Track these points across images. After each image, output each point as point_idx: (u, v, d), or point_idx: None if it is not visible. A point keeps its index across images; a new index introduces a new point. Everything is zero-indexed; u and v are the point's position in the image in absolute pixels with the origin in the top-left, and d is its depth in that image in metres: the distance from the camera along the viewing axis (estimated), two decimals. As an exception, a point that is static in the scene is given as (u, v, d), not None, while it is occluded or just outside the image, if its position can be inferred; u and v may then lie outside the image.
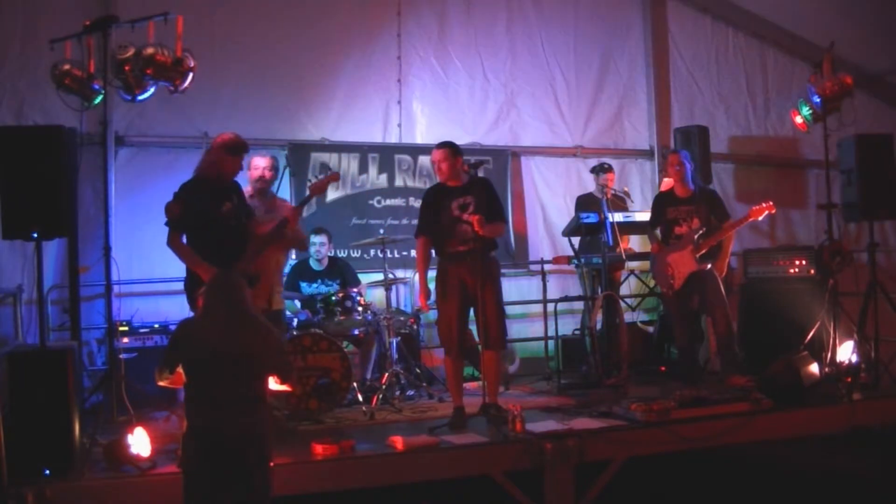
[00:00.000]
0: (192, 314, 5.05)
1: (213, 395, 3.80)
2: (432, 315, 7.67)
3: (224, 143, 5.17)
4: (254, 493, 3.79)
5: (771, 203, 6.64)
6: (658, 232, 6.91)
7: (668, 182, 7.34)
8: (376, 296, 7.31)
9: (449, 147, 5.69)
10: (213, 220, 5.06)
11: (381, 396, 6.21)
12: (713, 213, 6.66)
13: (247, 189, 5.65)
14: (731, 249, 6.96)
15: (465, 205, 5.57)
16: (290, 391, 4.35)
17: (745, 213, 6.88)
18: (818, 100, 6.54)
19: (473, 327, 6.11)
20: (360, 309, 6.46)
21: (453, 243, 5.59)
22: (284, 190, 5.93)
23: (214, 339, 3.86)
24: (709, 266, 6.60)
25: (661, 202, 6.91)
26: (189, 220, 5.07)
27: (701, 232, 6.57)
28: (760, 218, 6.67)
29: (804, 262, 7.07)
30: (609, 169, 7.69)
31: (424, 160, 7.93)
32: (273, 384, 4.04)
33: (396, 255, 7.64)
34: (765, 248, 7.89)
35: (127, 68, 5.60)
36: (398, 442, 4.86)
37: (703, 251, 6.57)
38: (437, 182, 5.87)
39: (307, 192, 5.57)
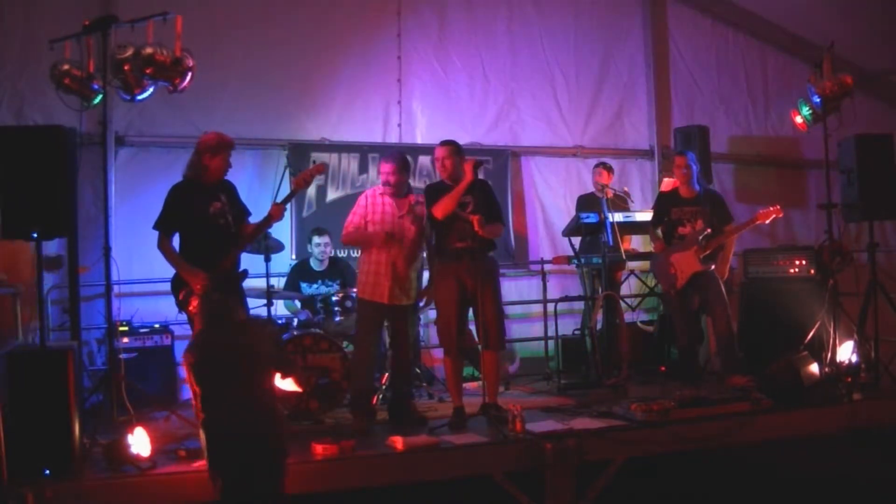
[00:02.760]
0: (182, 315, 5.17)
1: (222, 396, 3.98)
2: (432, 315, 7.68)
3: (205, 144, 5.22)
4: (263, 486, 3.94)
5: (778, 207, 6.64)
6: (659, 231, 6.90)
7: (668, 182, 7.34)
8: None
9: (453, 144, 5.75)
10: (200, 221, 5.09)
11: (381, 396, 6.21)
12: (715, 215, 6.65)
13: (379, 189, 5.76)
14: (733, 251, 6.96)
15: (464, 204, 5.59)
16: (300, 390, 4.44)
17: (747, 214, 6.88)
18: (818, 100, 6.54)
19: (473, 327, 6.11)
20: (360, 309, 6.46)
21: (451, 240, 5.60)
22: (284, 191, 5.91)
23: (218, 351, 4.08)
24: (712, 267, 6.60)
25: (665, 202, 6.90)
26: (177, 221, 5.11)
27: (706, 233, 6.56)
28: (767, 222, 6.66)
29: (804, 262, 7.07)
30: (599, 164, 7.70)
31: (424, 160, 7.93)
32: (283, 384, 4.21)
33: (396, 255, 7.62)
34: (765, 248, 7.88)
35: (126, 68, 5.59)
36: (398, 442, 4.85)
37: (708, 252, 6.57)
38: (437, 180, 5.89)
39: (291, 187, 5.52)
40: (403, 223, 5.70)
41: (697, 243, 6.56)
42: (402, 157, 5.86)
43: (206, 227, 5.11)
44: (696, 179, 6.73)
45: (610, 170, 7.73)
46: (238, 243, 5.22)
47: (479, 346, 5.88)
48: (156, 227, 5.15)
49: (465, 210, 5.57)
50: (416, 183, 7.91)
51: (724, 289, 6.62)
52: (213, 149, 5.19)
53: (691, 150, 7.77)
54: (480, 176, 5.84)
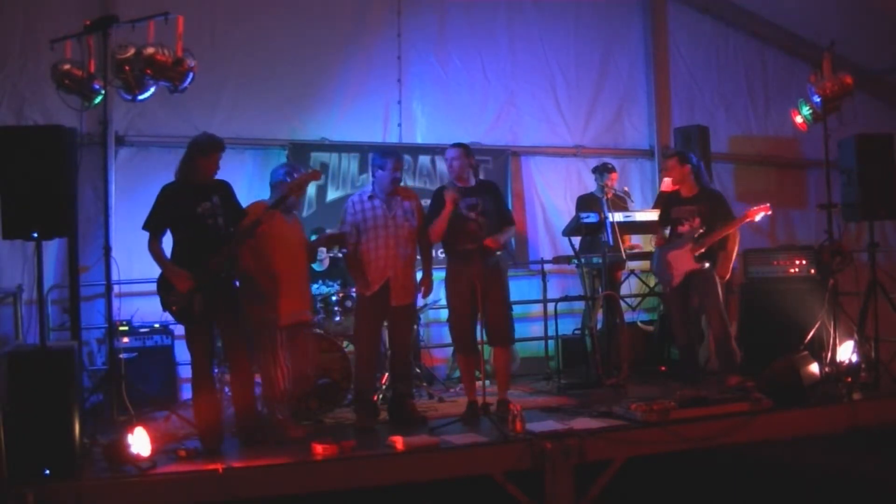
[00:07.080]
0: (167, 314, 5.15)
1: None
2: (432, 315, 7.69)
3: (195, 144, 5.19)
4: None
5: (767, 205, 6.62)
6: (667, 231, 6.86)
7: (668, 181, 7.33)
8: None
9: (464, 147, 5.89)
10: (188, 220, 5.07)
11: (381, 396, 6.21)
12: (715, 214, 6.63)
13: None
14: (736, 250, 6.93)
15: (473, 205, 5.66)
16: None
17: (742, 213, 6.85)
18: (818, 100, 6.53)
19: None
20: (360, 309, 6.45)
21: (461, 241, 5.69)
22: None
23: None
24: (707, 265, 6.56)
25: (666, 202, 6.90)
26: (164, 221, 5.09)
27: (701, 231, 6.56)
28: (757, 219, 6.63)
29: (804, 262, 7.08)
30: (612, 169, 7.66)
31: (424, 160, 7.93)
32: None
33: (396, 255, 7.62)
34: (765, 248, 7.88)
35: (127, 68, 5.59)
36: (398, 442, 4.85)
37: (702, 250, 6.54)
38: (449, 181, 6.03)
39: (284, 191, 5.37)
40: (396, 222, 5.71)
41: (692, 241, 6.56)
42: (400, 154, 5.94)
43: (192, 227, 5.08)
44: (696, 178, 6.68)
45: (615, 171, 7.72)
46: (227, 244, 5.16)
47: (479, 346, 5.90)
48: (144, 227, 5.14)
49: (474, 209, 5.65)
50: (416, 183, 7.94)
51: (721, 289, 6.58)
52: (202, 148, 5.16)
53: (691, 149, 7.76)
54: (482, 176, 5.90)
